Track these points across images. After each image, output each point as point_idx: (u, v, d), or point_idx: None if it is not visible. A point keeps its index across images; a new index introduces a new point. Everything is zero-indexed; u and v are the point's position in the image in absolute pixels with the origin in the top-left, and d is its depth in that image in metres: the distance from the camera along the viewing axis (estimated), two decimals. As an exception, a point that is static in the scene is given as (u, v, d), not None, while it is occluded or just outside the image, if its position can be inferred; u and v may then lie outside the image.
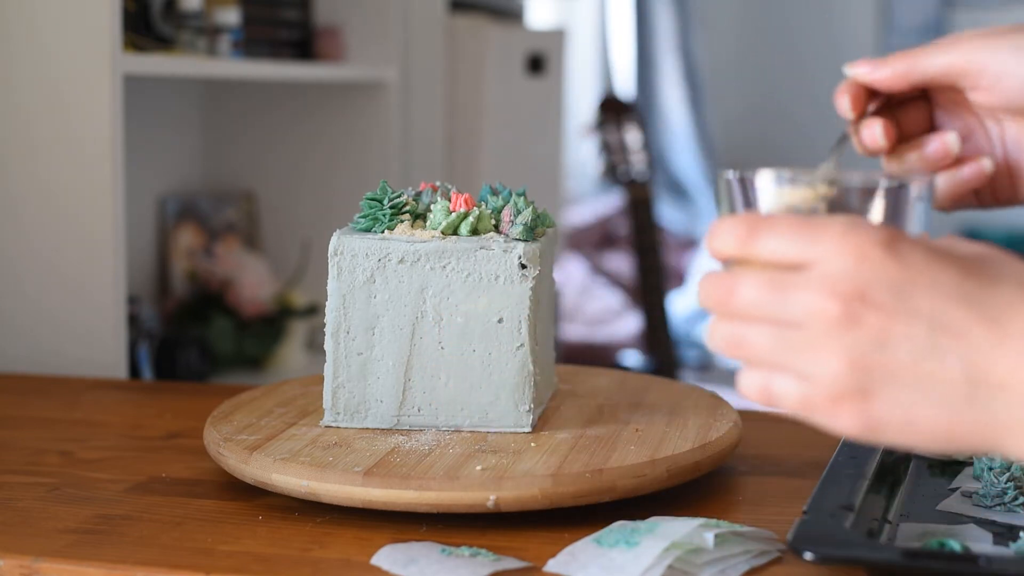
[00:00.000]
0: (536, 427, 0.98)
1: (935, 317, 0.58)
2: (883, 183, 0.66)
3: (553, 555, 0.79)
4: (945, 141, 0.80)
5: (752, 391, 0.61)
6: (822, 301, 0.59)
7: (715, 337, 0.62)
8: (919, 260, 0.59)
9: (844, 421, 0.59)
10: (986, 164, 0.79)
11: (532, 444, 0.93)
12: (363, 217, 1.00)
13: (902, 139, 0.81)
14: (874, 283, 0.58)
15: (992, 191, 0.82)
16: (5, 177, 1.53)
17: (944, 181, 0.80)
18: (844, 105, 0.80)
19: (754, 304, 0.60)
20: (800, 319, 0.59)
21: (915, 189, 0.66)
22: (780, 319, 0.60)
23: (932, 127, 0.82)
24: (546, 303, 1.03)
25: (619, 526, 0.82)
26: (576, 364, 1.25)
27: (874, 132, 0.79)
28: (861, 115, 0.80)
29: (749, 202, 0.67)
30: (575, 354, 3.28)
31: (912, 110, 0.82)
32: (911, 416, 0.58)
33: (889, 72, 0.79)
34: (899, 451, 0.92)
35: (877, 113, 0.80)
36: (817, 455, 1.00)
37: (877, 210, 0.66)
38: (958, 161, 0.80)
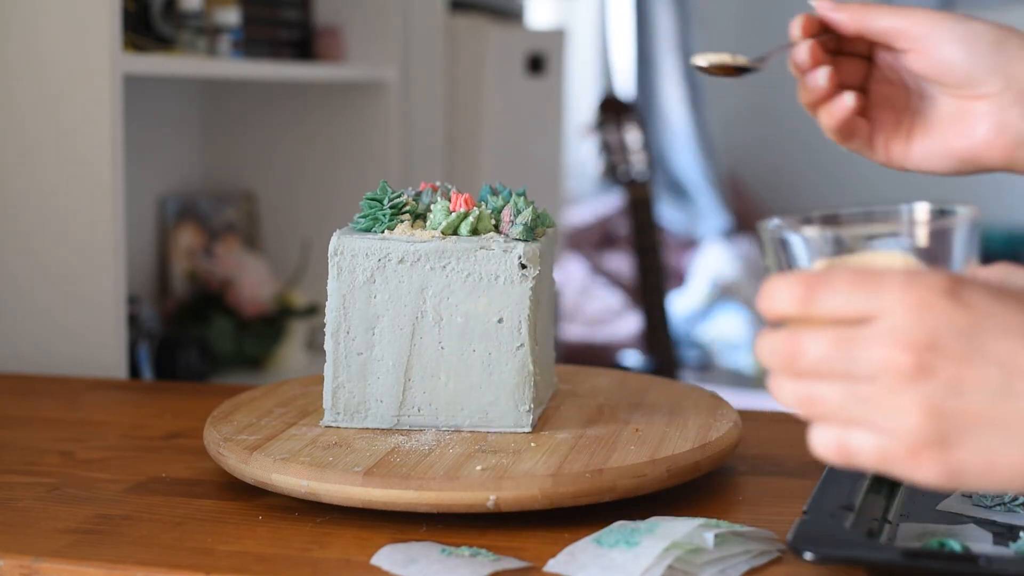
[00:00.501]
0: (536, 427, 0.98)
1: (1007, 359, 0.58)
2: (924, 221, 0.67)
3: (553, 555, 0.79)
4: (839, 106, 0.86)
5: (827, 448, 0.61)
6: (893, 353, 0.58)
7: (785, 396, 0.62)
8: (983, 303, 0.59)
9: (925, 472, 0.59)
10: (848, 99, 0.86)
11: (532, 444, 0.93)
12: (363, 217, 1.00)
13: (839, 87, 0.87)
14: (942, 331, 0.58)
15: (886, 147, 0.89)
16: (5, 177, 1.53)
17: (823, 116, 0.88)
18: (796, 26, 0.87)
19: (823, 362, 0.60)
20: (872, 373, 0.59)
21: (959, 220, 0.66)
22: (851, 374, 0.59)
23: (864, 86, 0.89)
24: (546, 303, 1.03)
25: (619, 526, 0.82)
26: (576, 364, 1.25)
27: (817, 75, 0.86)
28: (807, 38, 0.87)
29: (799, 258, 0.66)
30: (575, 354, 3.28)
31: (852, 63, 0.89)
32: (992, 460, 0.58)
33: (845, 16, 0.85)
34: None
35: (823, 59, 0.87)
36: (817, 455, 1.00)
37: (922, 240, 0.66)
38: (829, 95, 0.87)
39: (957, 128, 0.86)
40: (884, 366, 0.58)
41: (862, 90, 0.89)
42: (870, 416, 0.59)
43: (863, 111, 0.88)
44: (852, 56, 0.89)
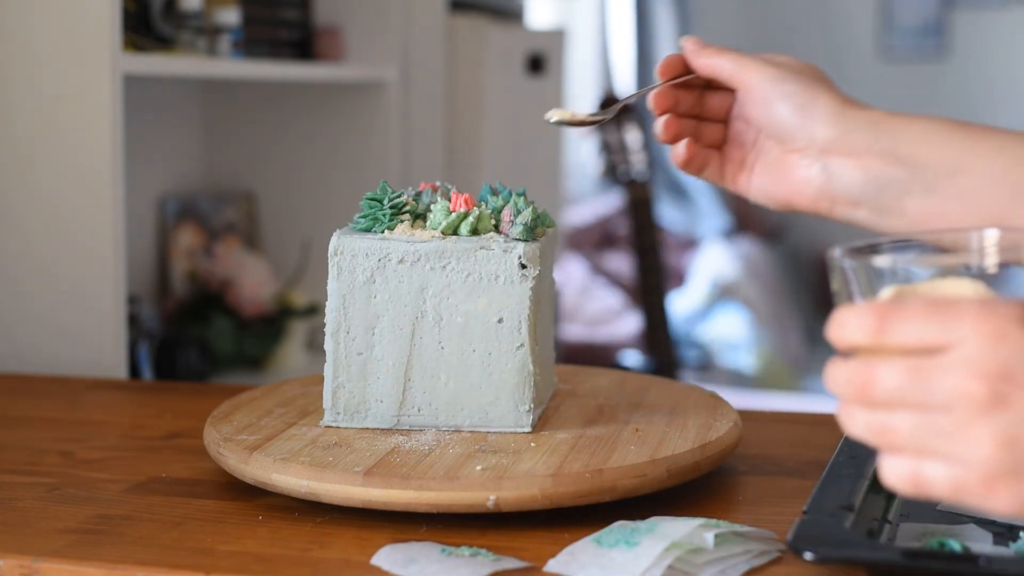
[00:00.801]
0: (536, 427, 0.98)
1: None
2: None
3: (553, 555, 0.79)
4: (676, 151, 0.95)
5: (900, 479, 0.61)
6: (967, 384, 0.58)
7: (856, 426, 0.62)
8: None
9: (1000, 502, 0.59)
10: (679, 148, 0.95)
11: (532, 444, 0.93)
12: (363, 217, 1.00)
13: (704, 118, 0.96)
14: (1017, 361, 0.58)
15: (733, 178, 0.96)
16: (5, 177, 1.53)
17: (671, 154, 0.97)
18: (659, 68, 0.95)
19: (897, 392, 0.60)
20: (946, 403, 0.59)
21: None
22: (925, 405, 0.59)
23: (728, 116, 0.97)
24: (546, 303, 1.03)
25: (619, 526, 0.82)
26: (576, 364, 1.25)
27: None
28: (667, 80, 0.94)
29: (868, 287, 0.66)
30: (575, 354, 3.28)
31: (720, 97, 0.96)
32: None
33: (703, 62, 0.93)
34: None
35: (693, 90, 0.95)
36: (817, 455, 1.00)
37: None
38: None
39: (777, 173, 0.92)
40: (958, 396, 0.58)
41: (726, 122, 0.96)
42: (944, 447, 0.59)
43: (719, 144, 0.96)
44: (721, 90, 0.96)
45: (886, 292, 0.65)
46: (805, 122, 0.89)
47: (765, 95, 0.90)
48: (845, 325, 0.62)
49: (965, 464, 0.59)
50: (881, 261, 0.66)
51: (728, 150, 0.96)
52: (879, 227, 0.89)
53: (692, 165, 0.95)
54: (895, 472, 0.61)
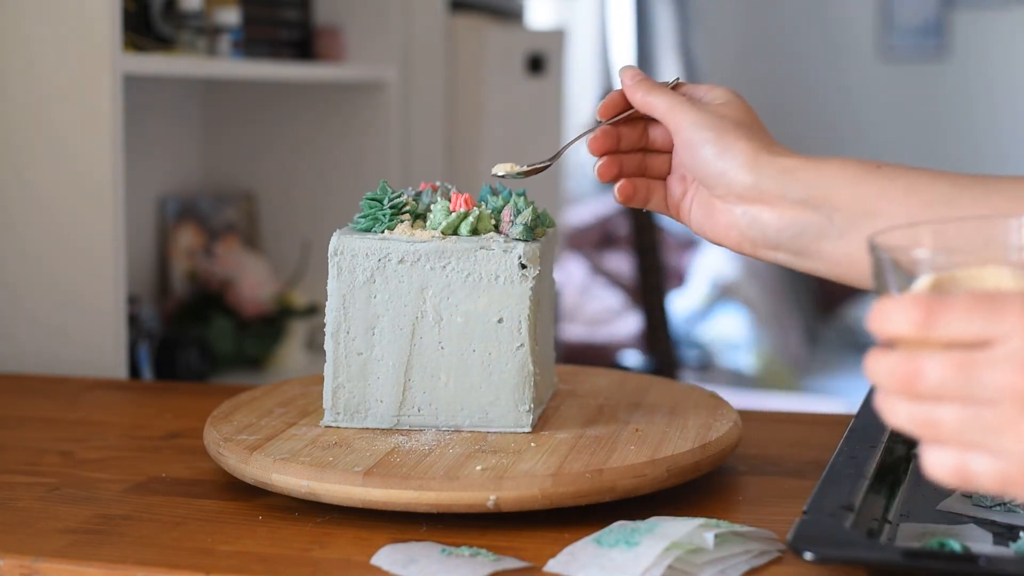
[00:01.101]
0: (536, 427, 0.98)
1: None
2: None
3: (553, 555, 0.79)
4: (623, 187, 0.97)
5: (945, 471, 0.61)
6: (1014, 379, 0.58)
7: (899, 417, 0.62)
8: None
9: None
10: (615, 193, 0.97)
11: (532, 444, 0.93)
12: (363, 217, 1.00)
13: (651, 150, 0.98)
14: None
15: (676, 209, 0.97)
16: (5, 177, 1.53)
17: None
18: (600, 107, 0.96)
19: (943, 385, 0.60)
20: (993, 397, 0.59)
21: None
22: (972, 398, 0.59)
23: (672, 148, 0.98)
24: (546, 303, 1.03)
25: (619, 526, 0.82)
26: (576, 364, 1.25)
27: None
28: (605, 118, 0.96)
29: (905, 275, 0.66)
30: (575, 354, 3.28)
31: (664, 128, 0.96)
32: None
33: (639, 99, 0.94)
34: (899, 451, 0.92)
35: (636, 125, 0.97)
36: (817, 455, 1.00)
37: None
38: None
39: (707, 213, 0.94)
40: (1005, 391, 0.58)
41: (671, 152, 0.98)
42: (991, 440, 0.59)
43: (665, 174, 0.98)
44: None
45: (924, 281, 0.65)
46: (722, 169, 0.90)
47: (688, 139, 0.91)
48: (889, 316, 0.61)
49: (1012, 457, 0.59)
50: (920, 253, 0.66)
51: (670, 182, 0.98)
52: (800, 268, 0.91)
53: (635, 200, 0.97)
54: (940, 464, 0.61)
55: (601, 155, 0.96)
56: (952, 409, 0.60)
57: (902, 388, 0.61)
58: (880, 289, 0.67)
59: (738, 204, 0.91)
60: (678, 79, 0.98)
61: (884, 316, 0.62)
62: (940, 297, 0.61)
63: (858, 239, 0.87)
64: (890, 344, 0.62)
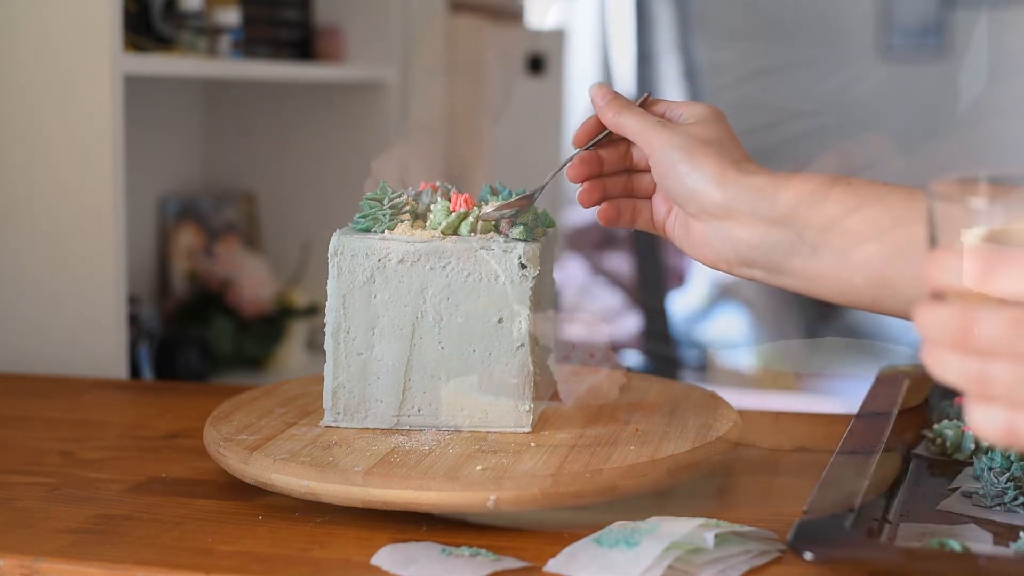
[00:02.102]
0: (536, 427, 0.98)
1: None
2: None
3: (553, 555, 0.79)
4: (604, 210, 0.98)
5: (994, 429, 0.60)
6: None
7: (950, 371, 0.60)
8: None
9: None
10: (599, 217, 0.98)
11: (532, 444, 0.93)
12: (363, 217, 1.00)
13: (635, 170, 0.98)
14: None
15: (662, 227, 0.98)
16: (5, 177, 1.53)
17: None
18: (575, 136, 0.98)
19: (998, 341, 0.59)
20: None
21: None
22: None
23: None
24: (546, 303, 1.03)
25: (619, 526, 0.82)
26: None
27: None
28: (581, 145, 0.97)
29: (960, 226, 0.64)
30: (575, 354, 3.27)
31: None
32: None
33: (610, 119, 0.94)
34: (899, 450, 0.92)
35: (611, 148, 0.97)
36: (817, 455, 1.00)
37: None
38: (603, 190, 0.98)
39: (684, 231, 0.94)
40: None
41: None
42: None
43: (651, 192, 0.98)
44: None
45: (976, 231, 0.63)
46: (692, 188, 0.90)
47: (660, 159, 0.92)
48: (947, 266, 0.61)
49: None
50: (976, 203, 0.63)
51: (655, 201, 0.98)
52: (777, 285, 0.91)
53: (619, 222, 0.98)
54: (988, 421, 0.60)
55: (581, 182, 0.97)
56: (1005, 366, 0.59)
57: (955, 341, 0.60)
58: (934, 239, 0.65)
59: (710, 221, 0.91)
60: (647, 95, 0.98)
61: (941, 267, 0.61)
62: (1000, 250, 0.59)
63: (830, 256, 0.87)
64: (940, 295, 0.61)
